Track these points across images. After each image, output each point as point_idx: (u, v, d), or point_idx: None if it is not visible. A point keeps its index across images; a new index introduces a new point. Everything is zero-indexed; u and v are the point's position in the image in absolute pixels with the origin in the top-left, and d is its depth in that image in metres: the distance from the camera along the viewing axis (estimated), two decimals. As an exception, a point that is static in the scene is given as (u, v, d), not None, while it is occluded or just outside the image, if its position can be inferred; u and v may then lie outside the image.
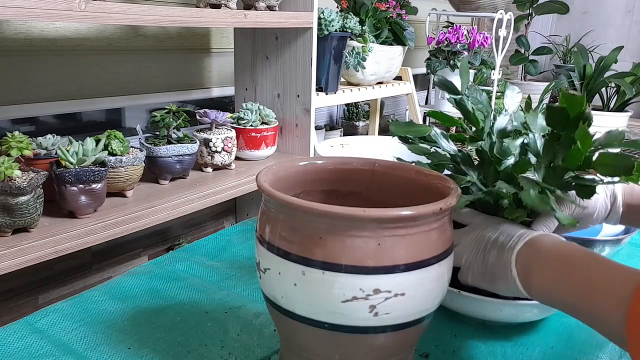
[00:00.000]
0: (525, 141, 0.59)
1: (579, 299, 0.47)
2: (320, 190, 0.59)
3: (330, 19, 1.66)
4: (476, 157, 0.62)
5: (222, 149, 1.45)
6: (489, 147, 0.60)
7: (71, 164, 1.08)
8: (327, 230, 0.43)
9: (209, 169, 1.49)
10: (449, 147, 0.63)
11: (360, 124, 2.43)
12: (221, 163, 1.47)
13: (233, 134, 1.48)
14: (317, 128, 2.18)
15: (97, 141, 1.15)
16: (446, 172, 0.61)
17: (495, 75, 2.37)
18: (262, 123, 1.58)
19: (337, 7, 2.01)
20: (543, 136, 0.59)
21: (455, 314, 0.63)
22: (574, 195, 0.57)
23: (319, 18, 1.64)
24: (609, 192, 0.65)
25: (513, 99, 0.66)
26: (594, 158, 0.53)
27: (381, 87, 2.09)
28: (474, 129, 0.61)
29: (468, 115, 0.61)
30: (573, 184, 0.56)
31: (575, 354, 0.59)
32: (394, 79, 2.22)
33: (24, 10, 0.92)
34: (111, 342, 0.58)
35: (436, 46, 2.37)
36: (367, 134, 2.43)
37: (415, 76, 2.34)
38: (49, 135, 1.18)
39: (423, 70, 2.69)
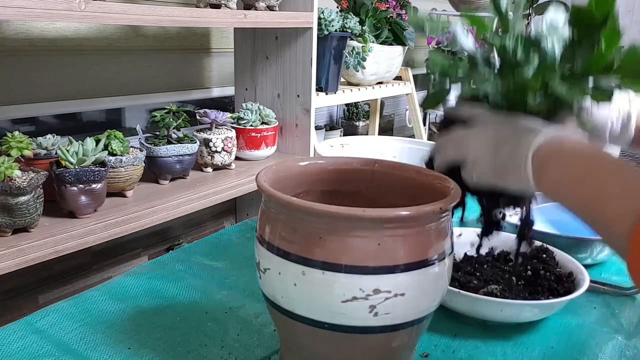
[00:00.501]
0: (543, 46, 0.55)
1: (591, 202, 0.46)
2: (320, 190, 0.59)
3: (330, 19, 1.66)
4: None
5: (222, 149, 1.45)
6: (512, 49, 0.55)
7: (71, 164, 1.08)
8: (327, 230, 0.43)
9: (209, 169, 1.49)
10: (468, 43, 0.59)
11: (360, 124, 2.43)
12: (221, 163, 1.47)
13: (233, 134, 1.48)
14: (317, 128, 2.18)
15: (97, 141, 1.15)
16: (460, 72, 0.58)
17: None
18: (262, 123, 1.58)
19: (337, 7, 2.01)
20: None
21: (455, 314, 0.63)
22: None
23: (319, 18, 1.64)
24: (624, 112, 0.64)
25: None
26: (616, 61, 0.50)
27: (381, 87, 2.09)
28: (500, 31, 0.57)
29: (499, 11, 0.57)
30: (582, 92, 0.53)
31: (575, 354, 0.59)
32: (394, 79, 2.22)
33: (24, 10, 0.92)
34: (111, 342, 0.58)
35: (436, 46, 2.37)
36: (367, 134, 2.43)
37: (415, 76, 2.34)
38: (49, 135, 1.18)
39: (423, 70, 2.69)
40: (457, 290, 0.60)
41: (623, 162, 0.46)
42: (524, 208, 0.59)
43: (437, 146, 0.59)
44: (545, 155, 0.50)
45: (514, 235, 0.76)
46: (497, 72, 0.57)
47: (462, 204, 0.62)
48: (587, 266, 0.70)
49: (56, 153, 1.12)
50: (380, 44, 1.99)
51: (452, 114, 0.59)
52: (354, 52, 1.87)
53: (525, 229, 0.60)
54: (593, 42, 0.51)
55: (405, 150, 1.02)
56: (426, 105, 0.61)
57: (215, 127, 1.47)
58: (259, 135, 1.56)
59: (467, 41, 0.60)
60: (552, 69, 0.52)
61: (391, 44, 2.06)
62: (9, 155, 1.00)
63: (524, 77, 0.53)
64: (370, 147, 1.01)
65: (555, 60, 0.55)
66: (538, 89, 0.52)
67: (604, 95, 0.51)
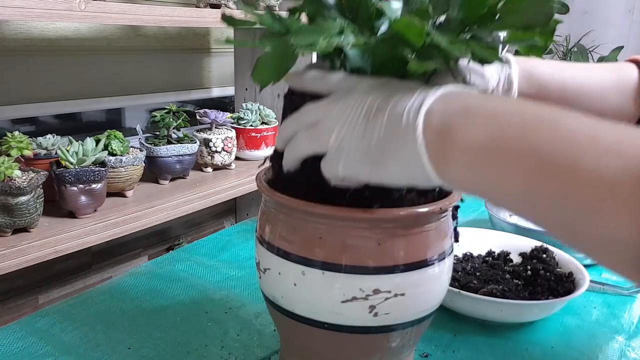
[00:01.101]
0: None
1: (550, 171, 0.29)
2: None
3: (330, 19, 1.66)
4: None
5: (222, 149, 1.45)
6: None
7: (71, 164, 1.08)
8: (327, 231, 0.42)
9: (209, 169, 1.49)
10: None
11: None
12: (221, 163, 1.47)
13: (233, 134, 1.48)
14: (317, 128, 2.18)
15: (97, 141, 1.15)
16: (304, 17, 0.42)
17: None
18: (262, 123, 1.58)
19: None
20: None
21: (455, 314, 0.63)
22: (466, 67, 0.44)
23: (319, 18, 1.64)
24: (504, 76, 0.51)
25: None
26: (500, 4, 0.37)
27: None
28: None
29: None
30: (468, 44, 0.38)
31: (575, 355, 0.59)
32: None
33: (23, 10, 0.92)
34: (111, 342, 0.58)
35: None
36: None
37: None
38: (49, 135, 1.18)
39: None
40: (457, 290, 0.60)
41: (570, 111, 0.32)
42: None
43: (282, 135, 0.42)
44: (447, 120, 0.34)
45: (514, 235, 0.77)
46: (350, 19, 0.41)
47: None
48: (587, 266, 0.70)
49: (56, 153, 1.12)
50: (380, 44, 1.99)
51: (300, 86, 0.42)
52: (354, 52, 1.87)
53: None
54: None
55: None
56: (260, 76, 0.38)
57: (215, 127, 1.47)
58: (259, 135, 1.56)
59: None
60: (426, 15, 0.37)
61: (391, 44, 2.06)
62: (9, 155, 1.00)
63: (402, 20, 0.35)
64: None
65: (425, 3, 0.41)
66: (419, 41, 0.35)
67: (486, 53, 0.37)
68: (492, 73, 0.50)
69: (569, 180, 0.28)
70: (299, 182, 0.43)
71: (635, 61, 0.56)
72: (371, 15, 0.40)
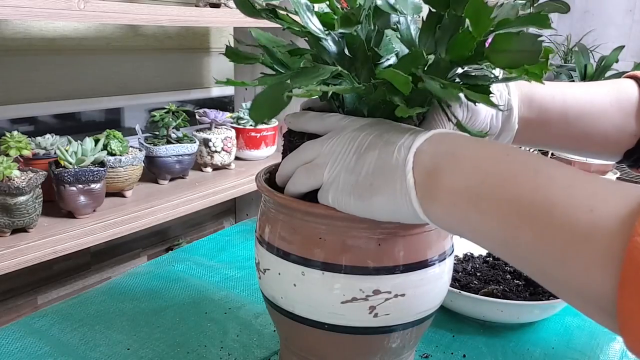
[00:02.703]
0: (395, 27, 0.43)
1: (528, 218, 0.30)
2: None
3: (330, 18, 1.66)
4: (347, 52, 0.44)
5: (222, 148, 1.45)
6: (365, 37, 0.43)
7: (70, 163, 1.08)
8: (327, 231, 0.42)
9: (209, 169, 1.48)
10: (315, 25, 0.44)
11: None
12: (221, 163, 1.47)
13: (233, 133, 1.48)
14: (317, 128, 2.18)
15: (96, 141, 1.15)
16: (305, 64, 0.43)
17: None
18: (262, 123, 1.58)
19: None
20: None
21: (455, 314, 0.63)
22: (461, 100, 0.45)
23: (319, 17, 1.64)
24: (504, 101, 0.51)
25: None
26: (488, 43, 0.38)
27: (381, 86, 2.08)
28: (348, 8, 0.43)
29: None
30: (460, 84, 0.40)
31: (576, 355, 0.59)
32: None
33: (22, 10, 0.92)
34: (110, 342, 0.58)
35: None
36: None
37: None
38: (47, 135, 1.18)
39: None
40: (458, 291, 0.60)
41: (553, 161, 0.34)
42: None
43: (282, 173, 0.45)
44: (434, 162, 0.36)
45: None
46: (348, 64, 0.43)
47: None
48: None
49: (55, 153, 1.12)
50: (380, 43, 1.98)
51: (299, 126, 0.46)
52: (354, 52, 1.86)
53: None
54: (457, 18, 0.38)
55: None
56: (256, 114, 0.38)
57: (215, 127, 1.47)
58: (258, 135, 1.56)
59: (314, 21, 0.44)
60: (421, 59, 0.38)
61: (391, 44, 2.05)
62: (7, 155, 0.99)
63: (389, 70, 0.37)
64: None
65: (408, 45, 0.43)
66: (409, 89, 0.37)
67: (479, 92, 0.38)
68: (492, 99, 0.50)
69: (544, 230, 0.30)
70: None
71: (633, 77, 0.56)
72: (368, 58, 0.43)
